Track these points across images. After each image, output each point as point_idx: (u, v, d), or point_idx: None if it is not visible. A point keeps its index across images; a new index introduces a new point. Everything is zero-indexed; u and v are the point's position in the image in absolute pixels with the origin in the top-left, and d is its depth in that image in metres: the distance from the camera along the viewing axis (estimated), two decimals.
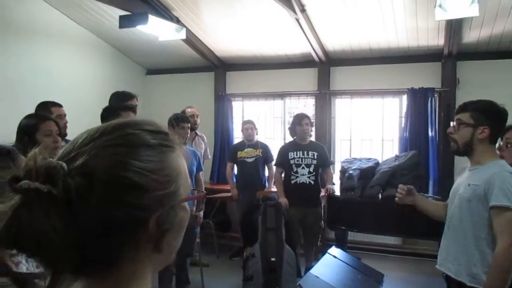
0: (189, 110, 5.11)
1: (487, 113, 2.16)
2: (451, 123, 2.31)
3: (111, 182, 0.57)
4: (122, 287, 0.61)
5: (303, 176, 4.52)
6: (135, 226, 0.59)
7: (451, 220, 2.28)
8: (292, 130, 4.67)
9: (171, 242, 0.66)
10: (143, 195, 0.59)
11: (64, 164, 0.56)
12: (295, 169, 4.54)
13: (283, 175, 4.70)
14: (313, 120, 5.81)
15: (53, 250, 0.54)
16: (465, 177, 2.26)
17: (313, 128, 4.98)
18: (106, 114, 2.87)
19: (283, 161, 4.63)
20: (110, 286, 0.60)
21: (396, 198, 2.47)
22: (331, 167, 4.88)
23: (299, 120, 4.59)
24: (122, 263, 0.60)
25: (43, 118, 2.44)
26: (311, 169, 4.53)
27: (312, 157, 4.55)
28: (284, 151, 4.68)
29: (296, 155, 4.57)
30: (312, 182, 4.53)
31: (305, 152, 4.57)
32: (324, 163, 4.67)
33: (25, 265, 1.18)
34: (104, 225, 0.56)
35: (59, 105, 3.37)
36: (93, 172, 0.57)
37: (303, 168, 4.54)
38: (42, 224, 0.53)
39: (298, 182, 4.53)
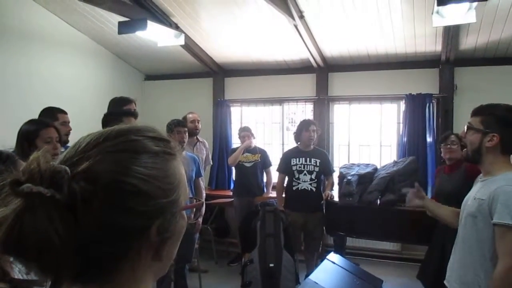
0: (190, 115, 5.12)
1: (499, 119, 1.97)
2: (465, 127, 2.14)
3: (116, 188, 0.57)
4: None
5: (305, 182, 4.53)
6: (137, 233, 0.59)
7: (458, 235, 2.14)
8: (298, 136, 4.65)
9: (170, 250, 0.66)
10: (147, 202, 0.59)
11: (67, 169, 0.55)
12: (297, 176, 4.55)
13: (286, 181, 4.70)
14: None
15: (55, 256, 0.53)
16: (475, 189, 2.10)
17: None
18: (107, 120, 2.86)
19: (286, 167, 4.64)
20: None
21: (406, 199, 2.47)
22: (332, 174, 4.87)
23: (307, 126, 4.58)
24: (122, 270, 0.60)
25: (44, 125, 2.43)
26: (313, 176, 4.54)
27: (315, 164, 4.56)
28: (287, 157, 4.68)
29: (299, 161, 4.57)
30: (314, 189, 4.54)
31: (308, 159, 4.57)
32: (326, 170, 4.68)
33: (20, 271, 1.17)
34: (106, 231, 0.56)
35: (65, 112, 3.37)
36: (97, 178, 0.56)
37: (305, 174, 4.54)
38: (45, 229, 0.52)
39: (299, 188, 4.54)
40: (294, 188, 4.56)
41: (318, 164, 4.56)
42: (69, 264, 0.55)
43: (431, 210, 2.44)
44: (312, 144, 4.66)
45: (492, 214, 1.88)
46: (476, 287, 1.96)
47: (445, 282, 2.21)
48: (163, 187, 0.61)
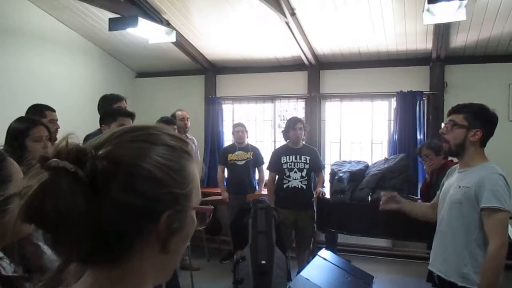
0: (179, 113, 5.10)
1: (480, 116, 2.20)
2: (443, 124, 2.34)
3: (133, 172, 0.61)
4: (127, 282, 0.63)
5: (295, 180, 4.53)
6: (147, 219, 0.62)
7: (442, 222, 2.32)
8: (286, 133, 4.67)
9: (177, 244, 0.68)
10: (159, 189, 0.63)
11: (92, 150, 0.61)
12: (287, 173, 4.55)
13: (276, 179, 4.71)
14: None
15: (71, 228, 0.57)
16: (455, 179, 2.30)
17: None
18: (103, 117, 2.85)
19: (276, 165, 4.64)
20: (115, 278, 0.63)
21: (380, 206, 2.56)
22: (322, 171, 4.89)
23: (293, 124, 4.59)
24: (129, 257, 0.63)
25: (34, 123, 2.39)
26: (303, 174, 4.55)
27: (305, 161, 4.57)
28: (277, 155, 4.69)
29: (289, 159, 4.57)
30: (304, 187, 4.55)
31: (298, 157, 4.57)
32: (316, 167, 4.69)
33: (10, 268, 1.17)
34: (120, 211, 0.59)
35: (53, 110, 3.34)
36: (118, 160, 0.61)
37: (295, 172, 4.55)
38: (66, 200, 0.56)
39: (290, 186, 4.54)
40: (284, 186, 4.56)
41: (308, 161, 4.57)
42: (82, 239, 0.58)
43: (408, 211, 2.59)
44: (301, 142, 4.68)
45: (479, 199, 2.10)
46: (462, 266, 2.16)
47: (429, 267, 2.39)
48: (176, 179, 0.65)
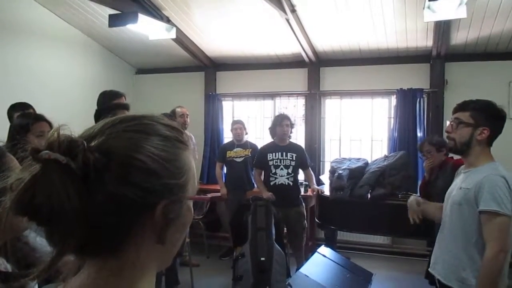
0: (178, 110, 5.09)
1: (487, 113, 2.09)
2: (447, 122, 2.24)
3: (126, 163, 0.60)
4: (124, 274, 0.62)
5: (282, 177, 4.55)
6: (142, 210, 0.61)
7: (444, 224, 2.24)
8: (272, 130, 4.69)
9: (174, 235, 0.67)
10: (154, 180, 0.62)
11: (84, 141, 0.59)
12: (273, 170, 4.58)
13: (262, 175, 4.72)
14: (303, 120, 5.83)
15: (64, 220, 0.56)
16: (459, 180, 2.22)
17: (295, 130, 4.97)
18: (100, 115, 2.85)
19: (262, 162, 4.65)
20: (112, 270, 0.62)
21: (411, 220, 2.50)
22: (310, 168, 4.88)
23: (280, 121, 4.61)
24: (126, 248, 0.62)
25: (36, 118, 2.41)
26: (290, 170, 4.56)
27: (291, 158, 4.59)
28: (263, 152, 4.71)
29: (275, 156, 4.59)
30: (291, 183, 4.56)
31: (284, 154, 4.60)
32: (303, 164, 4.70)
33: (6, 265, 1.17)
34: (113, 203, 0.59)
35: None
36: (110, 151, 0.60)
37: (281, 169, 4.57)
38: (58, 192, 0.55)
39: (277, 183, 4.56)
40: (271, 183, 4.58)
41: (294, 158, 4.59)
42: (76, 231, 0.57)
43: (425, 211, 2.51)
44: (288, 138, 4.69)
45: (478, 202, 2.00)
46: (461, 270, 2.07)
47: (429, 269, 2.32)
48: (171, 169, 0.64)
